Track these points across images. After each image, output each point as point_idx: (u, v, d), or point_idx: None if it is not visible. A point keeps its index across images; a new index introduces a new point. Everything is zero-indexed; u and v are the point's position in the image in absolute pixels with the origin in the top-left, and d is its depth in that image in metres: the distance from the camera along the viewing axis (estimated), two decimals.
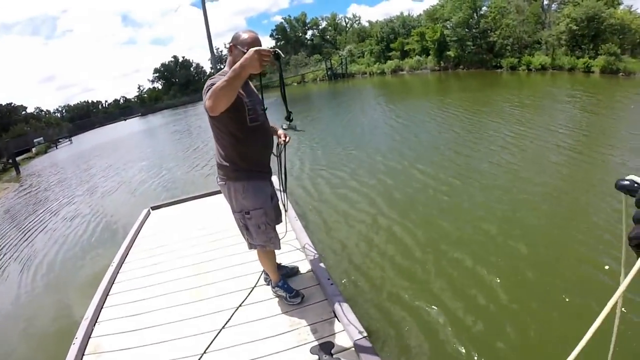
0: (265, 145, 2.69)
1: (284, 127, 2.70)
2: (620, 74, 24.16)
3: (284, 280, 3.06)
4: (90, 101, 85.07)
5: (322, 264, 3.38)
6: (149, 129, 33.72)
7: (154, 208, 6.06)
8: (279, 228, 2.96)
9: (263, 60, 1.97)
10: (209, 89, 2.12)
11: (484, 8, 34.88)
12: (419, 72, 37.56)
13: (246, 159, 2.55)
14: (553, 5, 35.19)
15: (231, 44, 2.43)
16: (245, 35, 2.41)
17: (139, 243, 4.75)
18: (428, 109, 15.76)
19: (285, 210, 3.26)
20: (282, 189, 3.21)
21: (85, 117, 64.74)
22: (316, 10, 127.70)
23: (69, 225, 8.92)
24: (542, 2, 34.85)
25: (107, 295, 3.59)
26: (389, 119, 14.88)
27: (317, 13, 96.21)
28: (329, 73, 46.62)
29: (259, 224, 2.65)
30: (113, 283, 3.82)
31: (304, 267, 3.49)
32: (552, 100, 15.06)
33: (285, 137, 2.95)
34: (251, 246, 2.82)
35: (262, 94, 2.72)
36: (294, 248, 3.85)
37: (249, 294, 3.18)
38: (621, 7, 29.85)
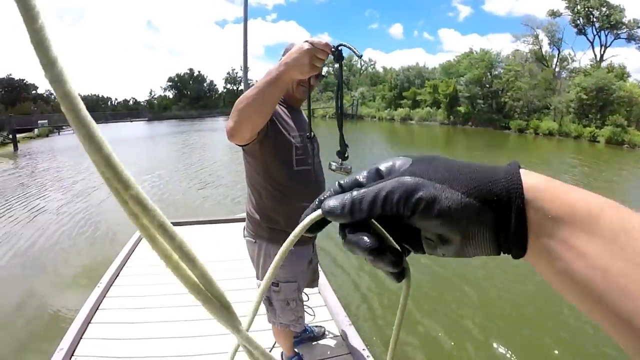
0: (314, 196, 1.90)
1: (332, 167, 1.66)
2: (625, 145, 24.46)
3: (299, 357, 2.43)
4: (100, 95, 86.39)
5: (353, 328, 2.74)
6: (152, 136, 33.08)
7: None
8: None
9: (316, 57, 1.34)
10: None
11: (499, 69, 35.75)
12: (427, 124, 38.08)
13: (288, 215, 1.83)
14: (563, 73, 36.14)
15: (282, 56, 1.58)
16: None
17: (131, 264, 4.09)
18: None
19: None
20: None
21: (93, 110, 63.59)
22: None
23: (54, 219, 8.38)
24: (554, 69, 35.79)
25: (89, 323, 2.94)
26: None
27: None
28: (339, 112, 47.13)
29: (287, 300, 2.01)
30: (97, 309, 3.14)
31: (332, 328, 2.82)
32: (557, 164, 15.27)
33: None
34: (271, 322, 2.16)
35: (310, 118, 1.89)
36: (319, 304, 3.12)
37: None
38: (630, 79, 30.63)
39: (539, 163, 16.21)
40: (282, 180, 1.80)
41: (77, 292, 4.50)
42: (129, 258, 4.11)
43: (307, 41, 1.35)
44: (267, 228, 1.88)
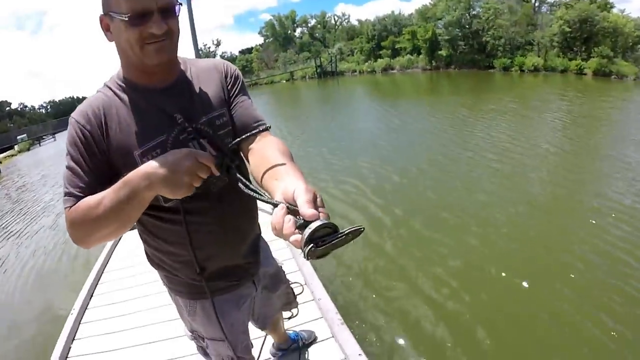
0: (227, 231, 1.29)
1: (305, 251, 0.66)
2: (613, 76, 24.41)
3: None
4: (75, 97, 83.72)
5: (346, 328, 2.39)
6: None
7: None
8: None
9: (197, 176, 0.93)
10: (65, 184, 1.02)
11: (477, 8, 34.77)
12: (409, 71, 37.32)
13: (183, 264, 1.27)
14: (544, 7, 35.36)
15: (102, 14, 1.01)
16: None
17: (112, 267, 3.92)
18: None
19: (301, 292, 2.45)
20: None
21: (70, 112, 65.97)
22: (304, 8, 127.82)
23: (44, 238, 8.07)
24: (534, 4, 34.93)
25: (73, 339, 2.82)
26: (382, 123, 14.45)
27: (305, 11, 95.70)
28: (318, 71, 46.01)
29: (222, 357, 1.51)
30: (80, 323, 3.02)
31: (321, 328, 2.47)
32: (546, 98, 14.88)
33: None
34: None
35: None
36: (307, 299, 2.76)
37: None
38: (614, 10, 30.12)
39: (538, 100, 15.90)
40: (155, 220, 1.21)
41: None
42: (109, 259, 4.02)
43: (190, 153, 0.94)
44: (165, 276, 1.39)
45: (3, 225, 9.52)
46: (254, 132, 1.13)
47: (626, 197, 5.72)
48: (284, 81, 48.13)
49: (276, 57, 55.62)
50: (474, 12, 34.63)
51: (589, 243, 4.56)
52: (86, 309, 3.21)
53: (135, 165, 0.97)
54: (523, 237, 4.88)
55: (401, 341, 3.23)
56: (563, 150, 8.49)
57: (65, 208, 1.01)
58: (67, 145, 1.04)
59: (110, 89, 1.09)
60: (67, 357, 2.60)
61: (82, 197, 0.99)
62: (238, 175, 0.96)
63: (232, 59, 59.35)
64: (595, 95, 16.87)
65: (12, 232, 8.81)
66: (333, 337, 2.37)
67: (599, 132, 10.27)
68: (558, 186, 6.47)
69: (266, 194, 0.84)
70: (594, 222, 5.01)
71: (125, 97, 1.08)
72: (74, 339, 2.79)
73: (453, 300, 3.74)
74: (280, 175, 0.87)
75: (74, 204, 0.99)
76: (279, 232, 0.66)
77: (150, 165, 0.93)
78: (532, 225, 5.20)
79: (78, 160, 1.02)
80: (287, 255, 3.29)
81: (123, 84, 1.09)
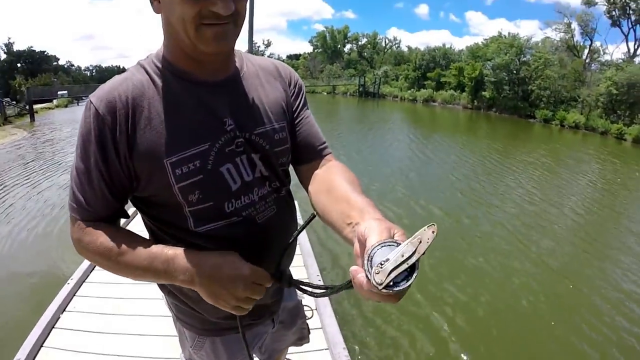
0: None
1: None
2: None
3: None
4: (122, 67, 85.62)
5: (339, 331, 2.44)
6: None
7: None
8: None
9: (249, 299, 0.83)
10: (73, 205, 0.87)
11: (528, 55, 34.83)
12: (450, 107, 37.53)
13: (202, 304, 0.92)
14: (594, 65, 35.07)
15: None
16: None
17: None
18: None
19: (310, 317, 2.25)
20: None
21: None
22: (358, 26, 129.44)
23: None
24: (585, 60, 34.74)
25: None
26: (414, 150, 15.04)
27: (358, 29, 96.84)
28: (360, 89, 46.89)
29: None
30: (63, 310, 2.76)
31: (317, 339, 2.42)
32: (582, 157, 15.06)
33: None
34: None
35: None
36: (315, 326, 2.56)
37: None
38: None
39: (565, 157, 15.96)
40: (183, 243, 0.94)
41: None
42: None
43: (250, 276, 0.81)
44: (178, 310, 1.13)
45: (22, 174, 10.43)
46: (319, 155, 1.02)
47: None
48: (325, 93, 49.01)
49: (322, 69, 56.80)
50: (524, 59, 34.60)
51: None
52: (84, 281, 3.09)
53: (164, 175, 0.82)
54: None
55: None
56: (584, 217, 8.57)
57: (71, 216, 0.88)
58: (79, 138, 0.83)
59: (146, 70, 0.87)
60: (54, 326, 2.50)
61: (91, 213, 0.86)
62: (302, 287, 0.86)
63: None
64: (632, 163, 16.71)
65: (27, 183, 9.67)
66: None
67: (627, 202, 10.30)
68: (566, 255, 6.53)
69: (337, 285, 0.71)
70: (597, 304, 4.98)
71: (163, 85, 0.85)
72: (64, 310, 2.66)
73: (449, 325, 4.24)
74: (353, 214, 0.73)
75: (82, 219, 0.86)
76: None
77: (199, 265, 0.80)
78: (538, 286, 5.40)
79: (90, 161, 0.82)
80: (302, 274, 3.10)
81: (164, 68, 0.87)
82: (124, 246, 0.83)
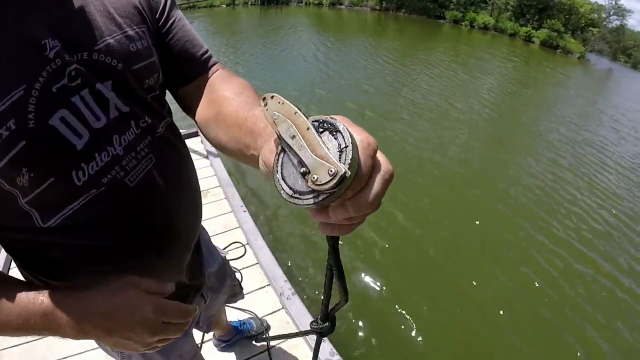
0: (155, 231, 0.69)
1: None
2: (559, 50, 24.53)
3: None
4: None
5: (297, 298, 2.09)
6: None
7: None
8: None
9: (164, 335, 0.63)
10: None
11: None
12: (358, 9, 35.28)
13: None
14: None
15: None
16: None
17: None
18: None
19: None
20: None
21: None
22: None
23: None
24: None
25: None
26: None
27: None
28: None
29: None
30: None
31: (270, 302, 2.14)
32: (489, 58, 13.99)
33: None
34: None
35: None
36: (250, 263, 2.36)
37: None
38: None
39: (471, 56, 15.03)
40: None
41: None
42: None
43: (148, 313, 0.60)
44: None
45: None
46: (203, 67, 0.73)
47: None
48: (225, 6, 44.73)
49: None
50: None
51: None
52: None
53: None
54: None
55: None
56: (490, 116, 8.17)
57: None
58: None
59: None
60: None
61: None
62: None
63: None
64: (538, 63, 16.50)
65: None
66: (283, 308, 2.11)
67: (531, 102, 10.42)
68: (472, 153, 6.25)
69: None
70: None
71: None
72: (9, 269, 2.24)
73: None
74: (248, 141, 0.55)
75: None
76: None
77: (87, 317, 0.57)
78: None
79: None
80: (225, 208, 2.81)
81: None
82: None
